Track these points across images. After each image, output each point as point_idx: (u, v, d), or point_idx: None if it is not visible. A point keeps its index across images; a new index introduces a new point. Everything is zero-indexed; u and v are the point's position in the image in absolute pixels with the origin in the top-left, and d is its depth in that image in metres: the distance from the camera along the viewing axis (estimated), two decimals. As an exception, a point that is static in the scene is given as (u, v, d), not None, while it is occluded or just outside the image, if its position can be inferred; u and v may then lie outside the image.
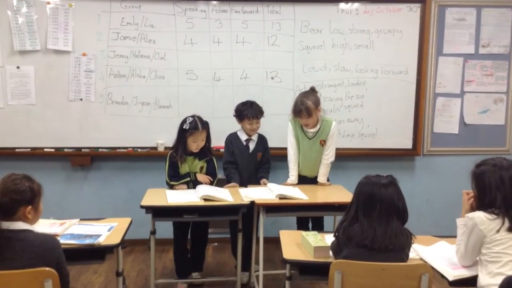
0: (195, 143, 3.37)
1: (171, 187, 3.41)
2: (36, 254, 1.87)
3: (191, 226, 3.49)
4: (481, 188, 2.13)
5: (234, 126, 3.69)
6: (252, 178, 3.60)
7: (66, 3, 3.94)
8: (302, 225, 3.60)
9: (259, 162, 3.68)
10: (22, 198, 1.92)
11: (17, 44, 3.93)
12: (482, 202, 2.12)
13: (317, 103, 3.41)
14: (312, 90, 3.53)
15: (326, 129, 3.50)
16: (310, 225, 3.60)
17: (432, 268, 2.12)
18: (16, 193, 1.90)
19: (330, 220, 3.60)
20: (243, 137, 3.65)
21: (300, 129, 3.52)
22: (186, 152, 3.40)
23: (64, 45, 3.97)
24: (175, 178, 3.41)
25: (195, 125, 3.33)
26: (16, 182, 1.92)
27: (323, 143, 3.50)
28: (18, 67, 3.97)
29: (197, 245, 3.57)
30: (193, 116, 3.39)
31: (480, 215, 2.06)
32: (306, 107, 3.34)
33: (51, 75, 4.00)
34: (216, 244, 4.30)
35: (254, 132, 3.64)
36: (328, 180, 3.61)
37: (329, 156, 3.54)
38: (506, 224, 2.02)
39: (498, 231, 2.01)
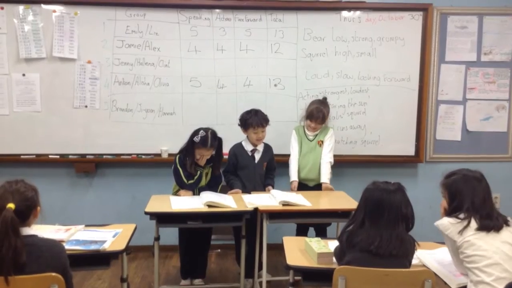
0: (200, 157, 3.36)
1: (182, 187, 3.41)
2: (44, 260, 1.88)
3: (194, 231, 3.50)
4: (449, 196, 2.20)
5: (237, 133, 3.70)
6: (257, 188, 3.59)
7: (71, 11, 3.98)
8: (301, 234, 3.62)
9: (265, 172, 3.70)
10: (33, 202, 1.95)
11: (23, 52, 3.97)
12: (449, 209, 2.19)
13: (328, 114, 3.72)
14: (325, 100, 3.80)
15: (324, 132, 3.73)
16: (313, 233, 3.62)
17: (435, 274, 2.13)
18: (27, 200, 1.92)
19: (333, 227, 3.62)
20: (248, 147, 3.64)
21: (303, 134, 3.72)
22: (196, 163, 3.39)
23: (69, 53, 4.01)
24: (190, 177, 3.39)
25: (204, 142, 3.28)
26: (22, 190, 1.93)
27: (320, 143, 3.70)
28: (23, 75, 4.01)
29: (199, 251, 3.58)
30: (206, 131, 3.32)
31: (443, 222, 2.13)
32: (322, 115, 3.62)
33: (56, 83, 4.03)
34: (219, 250, 4.31)
35: (260, 142, 3.62)
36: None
37: (327, 156, 3.68)
38: (473, 225, 2.05)
39: (461, 232, 2.04)
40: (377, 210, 2.06)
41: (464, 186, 2.16)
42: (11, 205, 1.84)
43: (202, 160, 3.38)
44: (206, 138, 3.29)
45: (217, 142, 3.38)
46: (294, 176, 3.68)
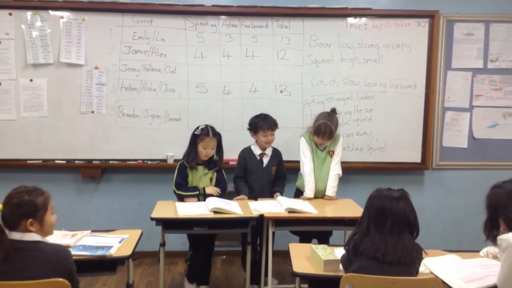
0: (205, 150, 3.43)
1: (178, 196, 3.43)
2: (49, 264, 1.89)
3: (198, 237, 3.49)
4: (486, 209, 2.15)
5: (243, 139, 3.71)
6: (265, 193, 3.59)
7: (79, 18, 4.01)
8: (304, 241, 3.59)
9: (274, 176, 3.68)
10: (22, 212, 1.92)
11: (30, 58, 4.00)
12: (487, 223, 2.12)
13: (337, 126, 3.55)
14: (333, 112, 3.62)
15: (335, 141, 3.62)
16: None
17: (443, 282, 2.11)
18: (15, 207, 1.92)
19: (339, 235, 3.60)
20: (257, 151, 3.65)
21: (313, 144, 3.61)
22: (198, 161, 3.45)
23: (76, 59, 4.03)
24: (183, 187, 3.44)
25: (206, 132, 3.42)
26: (17, 196, 1.93)
27: (331, 153, 3.61)
28: (31, 80, 4.03)
29: (203, 257, 3.56)
30: (206, 124, 3.48)
31: (508, 236, 1.96)
32: (330, 131, 3.47)
33: (64, 88, 4.05)
34: (224, 256, 4.30)
35: (269, 145, 3.65)
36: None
37: (336, 167, 3.59)
38: None
39: None
40: (381, 217, 2.05)
41: (498, 198, 2.11)
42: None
43: (206, 152, 3.43)
44: (207, 129, 3.44)
45: (218, 136, 3.48)
46: (310, 192, 3.52)
